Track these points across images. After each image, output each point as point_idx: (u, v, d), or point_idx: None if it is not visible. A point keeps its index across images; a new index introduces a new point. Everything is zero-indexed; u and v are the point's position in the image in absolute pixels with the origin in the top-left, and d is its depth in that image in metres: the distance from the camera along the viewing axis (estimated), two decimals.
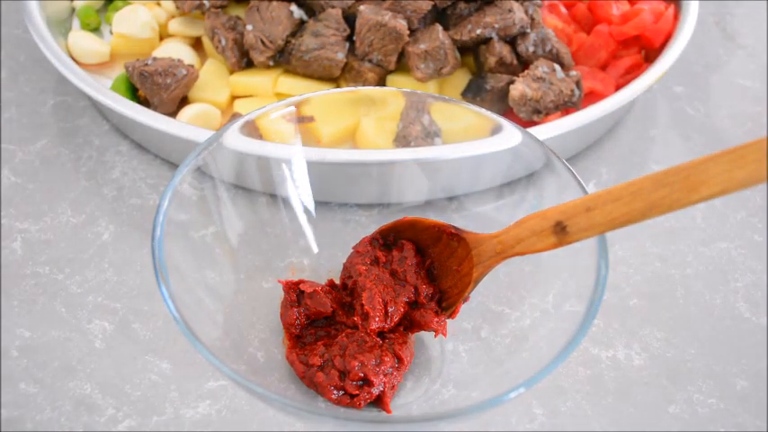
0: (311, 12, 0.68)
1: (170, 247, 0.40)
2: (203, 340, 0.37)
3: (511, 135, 0.46)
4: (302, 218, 0.49)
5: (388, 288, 0.44)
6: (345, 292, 0.45)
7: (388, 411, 0.41)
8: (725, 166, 0.32)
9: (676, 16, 0.71)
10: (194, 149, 0.44)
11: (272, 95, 0.67)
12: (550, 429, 0.47)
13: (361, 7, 0.66)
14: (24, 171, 0.62)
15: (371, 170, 0.53)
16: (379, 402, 0.42)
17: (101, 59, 0.71)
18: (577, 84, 0.64)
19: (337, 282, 0.46)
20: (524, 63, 0.67)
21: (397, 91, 0.51)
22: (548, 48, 0.67)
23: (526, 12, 0.67)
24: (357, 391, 0.41)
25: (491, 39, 0.66)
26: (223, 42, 0.67)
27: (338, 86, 0.68)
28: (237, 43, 0.67)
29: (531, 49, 0.66)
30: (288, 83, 0.67)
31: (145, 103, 0.66)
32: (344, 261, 0.46)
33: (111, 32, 0.73)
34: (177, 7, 0.72)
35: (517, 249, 0.40)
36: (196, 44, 0.72)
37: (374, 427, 0.38)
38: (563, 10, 0.74)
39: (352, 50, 0.66)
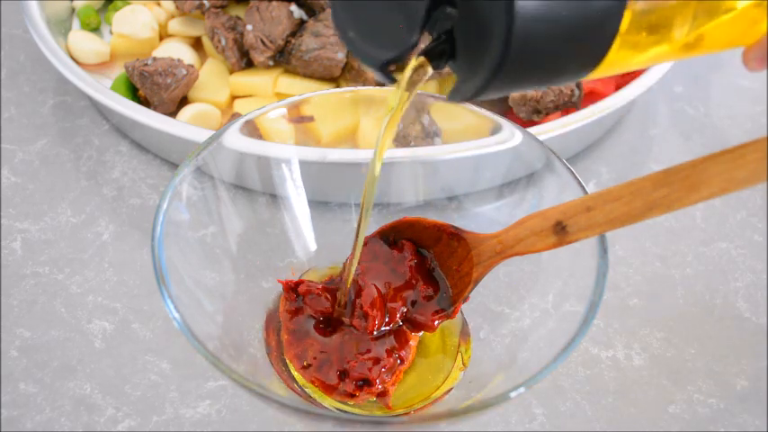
0: (311, 12, 0.68)
1: (170, 247, 0.40)
2: (203, 340, 0.37)
3: (511, 135, 0.46)
4: (302, 218, 0.49)
5: (387, 288, 0.44)
6: (345, 292, 0.45)
7: (389, 408, 0.41)
8: (725, 166, 0.32)
9: None
10: (194, 149, 0.44)
11: (272, 95, 0.67)
12: (550, 429, 0.47)
13: None
14: (24, 171, 0.62)
15: None
16: (379, 397, 0.42)
17: (101, 59, 0.71)
18: (577, 84, 0.64)
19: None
20: None
21: None
22: None
23: None
24: (357, 392, 0.41)
25: None
26: (223, 42, 0.67)
27: (338, 86, 0.68)
28: (237, 43, 0.67)
29: None
30: (288, 83, 0.67)
31: (145, 103, 0.66)
32: (344, 261, 0.46)
33: (111, 32, 0.73)
34: (177, 7, 0.72)
35: (517, 249, 0.40)
36: (196, 44, 0.72)
37: (374, 428, 0.38)
38: None
39: None
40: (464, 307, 0.45)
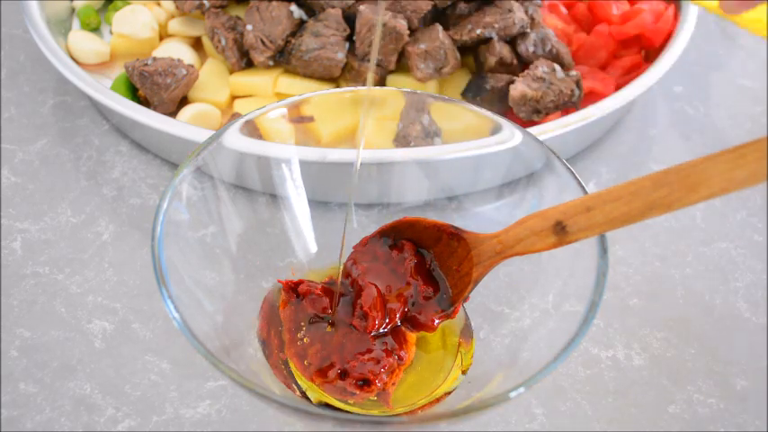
0: (311, 12, 0.68)
1: (170, 247, 0.40)
2: (203, 340, 0.37)
3: (511, 135, 0.46)
4: (302, 218, 0.49)
5: (387, 288, 0.44)
6: (345, 292, 0.45)
7: (389, 407, 0.41)
8: (725, 166, 0.32)
9: (676, 16, 0.71)
10: (194, 149, 0.44)
11: (272, 95, 0.67)
12: (550, 429, 0.47)
13: (361, 7, 0.66)
14: (24, 171, 0.62)
15: (371, 170, 0.53)
16: (380, 397, 0.42)
17: (101, 59, 0.71)
18: (577, 84, 0.64)
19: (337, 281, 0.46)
20: (524, 63, 0.67)
21: (397, 91, 0.51)
22: (548, 48, 0.67)
23: (526, 12, 0.67)
24: (357, 391, 0.41)
25: (491, 39, 0.66)
26: (223, 42, 0.67)
27: (338, 86, 0.68)
28: (237, 43, 0.67)
29: (531, 49, 0.66)
30: (288, 83, 0.67)
31: (145, 103, 0.66)
32: (344, 261, 0.46)
33: (111, 32, 0.73)
34: (177, 7, 0.72)
35: (517, 249, 0.40)
36: (196, 44, 0.72)
37: (374, 428, 0.38)
38: (563, 10, 0.74)
39: (352, 50, 0.66)
40: (464, 307, 0.45)
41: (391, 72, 0.67)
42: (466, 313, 0.46)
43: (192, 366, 0.49)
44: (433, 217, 0.45)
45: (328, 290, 0.45)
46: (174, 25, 0.72)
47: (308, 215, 0.49)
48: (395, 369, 0.42)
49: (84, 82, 0.62)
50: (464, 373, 0.44)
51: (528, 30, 0.67)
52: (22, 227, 0.58)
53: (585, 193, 0.41)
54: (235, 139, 0.46)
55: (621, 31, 0.70)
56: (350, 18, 0.67)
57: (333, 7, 0.66)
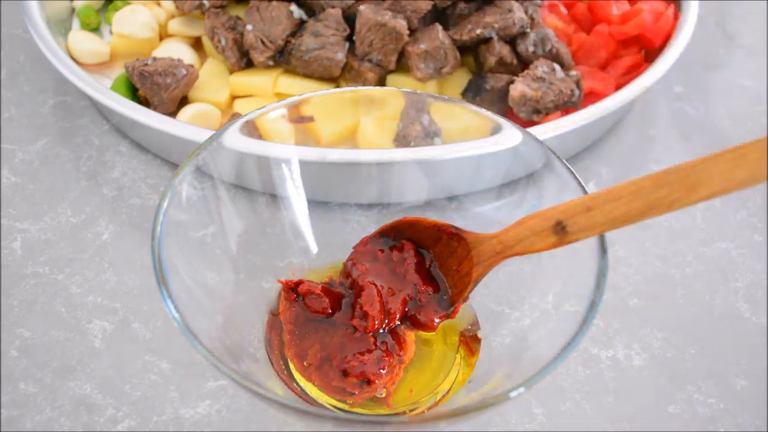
0: (311, 12, 0.68)
1: (170, 247, 0.40)
2: (203, 340, 0.37)
3: (511, 135, 0.46)
4: (302, 218, 0.49)
5: (387, 288, 0.44)
6: (345, 292, 0.45)
7: (389, 407, 0.41)
8: (725, 166, 0.32)
9: (676, 16, 0.71)
10: (194, 149, 0.44)
11: (272, 95, 0.67)
12: (550, 429, 0.47)
13: (361, 7, 0.66)
14: (24, 171, 0.62)
15: (371, 170, 0.53)
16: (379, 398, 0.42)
17: (101, 59, 0.71)
18: (577, 84, 0.64)
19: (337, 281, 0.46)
20: (524, 63, 0.67)
21: (396, 91, 0.51)
22: (548, 48, 0.67)
23: (526, 12, 0.67)
24: (357, 391, 0.41)
25: (491, 39, 0.66)
26: (223, 42, 0.67)
27: (338, 86, 0.68)
28: (237, 43, 0.67)
29: (531, 48, 0.66)
30: (287, 83, 0.67)
31: (145, 103, 0.66)
32: (344, 261, 0.46)
33: (111, 32, 0.73)
34: (177, 7, 0.72)
35: (517, 249, 0.40)
36: (196, 44, 0.72)
37: (374, 428, 0.38)
38: (563, 10, 0.74)
39: (352, 50, 0.66)
40: (476, 315, 0.45)
41: (391, 72, 0.67)
42: (476, 319, 0.46)
43: (192, 366, 0.49)
44: (433, 217, 0.45)
45: (328, 290, 0.45)
46: (174, 25, 0.72)
47: (308, 215, 0.49)
48: (395, 369, 0.42)
49: (84, 82, 0.62)
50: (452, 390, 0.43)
51: (528, 30, 0.67)
52: (22, 227, 0.58)
53: (585, 193, 0.41)
54: (235, 139, 0.46)
55: (621, 31, 0.70)
56: (350, 18, 0.67)
57: (333, 7, 0.66)
